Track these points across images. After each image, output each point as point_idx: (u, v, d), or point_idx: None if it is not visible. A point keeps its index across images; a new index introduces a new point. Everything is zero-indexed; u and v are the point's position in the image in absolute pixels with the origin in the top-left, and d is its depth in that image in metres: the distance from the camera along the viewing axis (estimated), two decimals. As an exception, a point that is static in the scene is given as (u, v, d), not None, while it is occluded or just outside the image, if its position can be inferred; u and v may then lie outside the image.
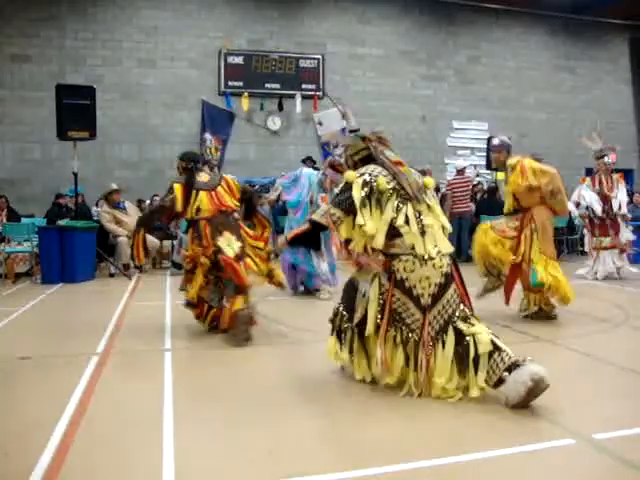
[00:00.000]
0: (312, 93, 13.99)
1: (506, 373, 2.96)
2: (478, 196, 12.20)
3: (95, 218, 9.70)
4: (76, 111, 8.48)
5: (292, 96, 13.87)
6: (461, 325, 3.13)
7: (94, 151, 11.90)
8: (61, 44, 12.76)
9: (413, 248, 3.12)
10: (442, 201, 11.35)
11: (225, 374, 3.75)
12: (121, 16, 13.13)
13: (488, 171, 12.39)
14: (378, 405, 3.08)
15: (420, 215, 3.22)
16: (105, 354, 4.18)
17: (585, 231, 8.84)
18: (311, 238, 3.50)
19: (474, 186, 12.09)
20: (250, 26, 13.88)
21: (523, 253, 5.00)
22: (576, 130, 16.11)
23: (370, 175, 3.23)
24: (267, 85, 13.88)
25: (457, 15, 15.27)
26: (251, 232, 5.06)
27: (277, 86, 13.94)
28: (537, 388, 2.88)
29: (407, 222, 3.15)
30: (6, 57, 12.47)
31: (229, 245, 4.67)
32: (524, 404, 2.92)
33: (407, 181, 3.25)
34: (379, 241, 3.12)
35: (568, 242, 11.72)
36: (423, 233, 3.17)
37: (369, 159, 3.42)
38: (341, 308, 3.50)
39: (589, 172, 16.12)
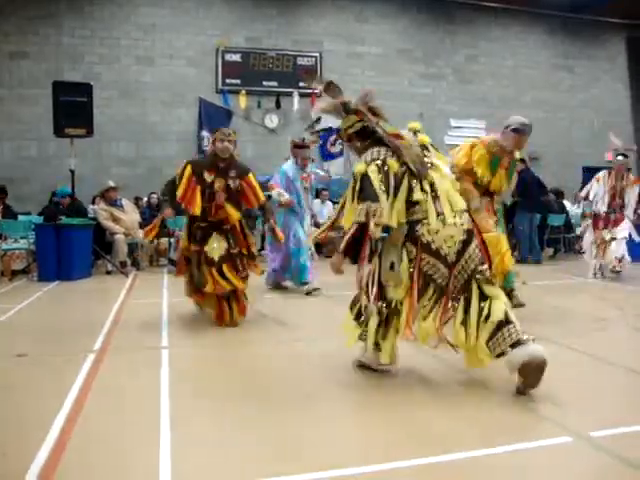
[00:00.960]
0: (309, 91, 13.95)
1: (509, 349, 3.02)
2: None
3: (92, 215, 9.67)
4: (73, 108, 8.46)
5: (290, 94, 13.87)
6: (483, 284, 3.19)
7: (91, 149, 11.87)
8: (59, 42, 12.74)
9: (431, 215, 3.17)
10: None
11: (223, 372, 3.75)
12: (119, 14, 13.10)
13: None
14: (378, 404, 3.08)
15: (433, 184, 3.24)
16: (102, 352, 4.17)
17: (584, 230, 8.77)
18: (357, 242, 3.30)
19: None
20: (248, 24, 13.86)
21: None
22: (574, 129, 16.17)
23: (380, 160, 3.20)
24: (265, 83, 13.87)
25: (455, 14, 15.27)
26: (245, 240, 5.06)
27: (275, 84, 13.93)
28: (532, 363, 2.94)
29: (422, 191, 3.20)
30: (4, 55, 12.45)
31: (214, 248, 4.72)
32: (524, 382, 3.04)
33: (410, 157, 3.23)
34: (394, 220, 3.14)
35: (565, 240, 11.72)
36: (436, 197, 3.21)
37: (365, 131, 3.39)
38: (363, 294, 3.39)
39: (587, 170, 16.21)
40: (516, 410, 2.96)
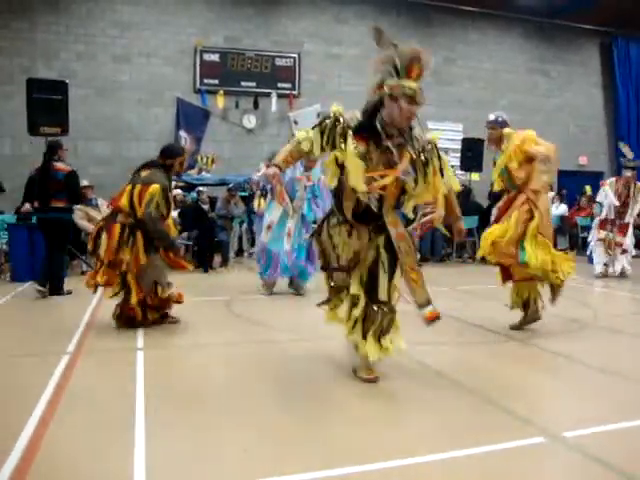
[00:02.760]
0: (288, 92, 13.95)
1: None
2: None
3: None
4: (48, 106, 8.32)
5: (268, 94, 13.82)
6: None
7: (67, 147, 11.69)
8: (33, 37, 12.52)
9: None
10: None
11: (198, 373, 3.73)
12: (95, 10, 12.92)
13: (462, 172, 12.47)
14: (357, 406, 3.09)
15: None
16: (76, 353, 4.12)
17: (593, 234, 9.22)
18: None
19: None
20: (226, 23, 13.79)
21: (511, 234, 4.69)
22: (549, 132, 16.32)
23: None
24: (243, 83, 13.81)
25: (434, 17, 15.37)
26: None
27: (253, 84, 13.87)
28: None
29: None
30: (-26, 49, 12.21)
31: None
32: None
33: None
34: None
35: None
36: None
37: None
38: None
39: (561, 174, 16.42)
40: (489, 411, 2.99)
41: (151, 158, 5.09)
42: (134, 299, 4.70)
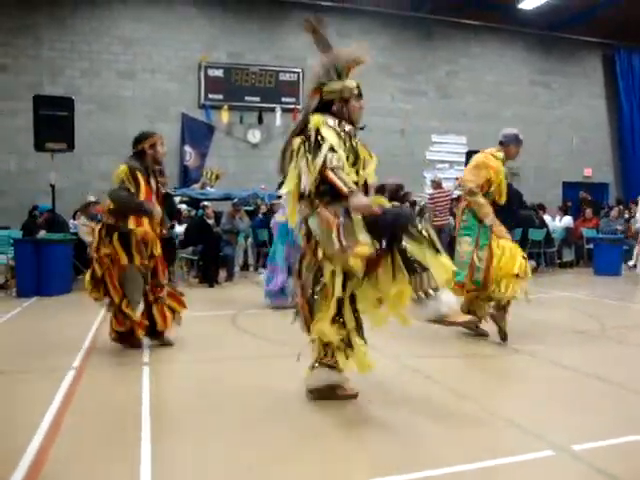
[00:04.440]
0: (292, 106, 14.02)
1: None
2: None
3: (72, 230, 9.57)
4: (54, 122, 8.40)
5: (272, 109, 13.90)
6: None
7: (72, 163, 11.77)
8: (38, 55, 12.65)
9: None
10: (421, 213, 11.43)
11: (204, 389, 3.71)
12: (100, 27, 13.05)
13: (467, 184, 12.46)
14: (363, 421, 3.07)
15: None
16: (82, 368, 4.11)
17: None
18: None
19: (453, 200, 12.18)
20: (230, 39, 13.90)
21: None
22: (551, 144, 16.39)
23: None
24: (247, 98, 13.90)
25: (436, 30, 15.45)
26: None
27: (257, 99, 13.96)
28: None
29: None
30: (-18, 67, 12.33)
31: None
32: None
33: None
34: None
35: (546, 255, 11.82)
36: None
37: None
38: None
39: (565, 185, 16.45)
40: (499, 425, 2.97)
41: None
42: (120, 305, 4.61)
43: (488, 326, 5.10)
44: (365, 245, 2.98)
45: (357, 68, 3.51)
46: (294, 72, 14.09)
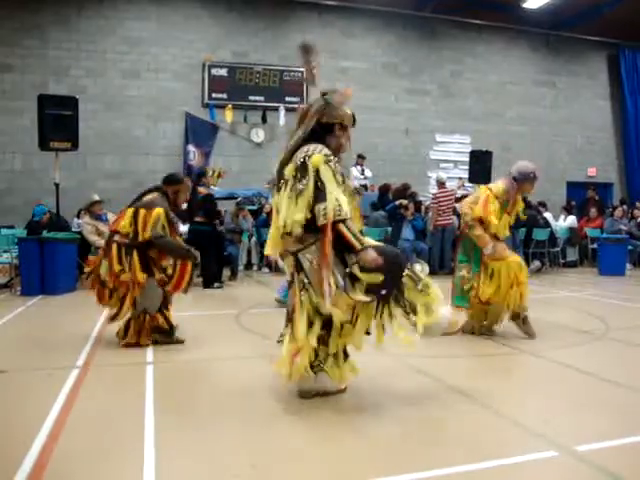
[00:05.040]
0: (296, 106, 14.02)
1: None
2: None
3: (76, 229, 9.59)
4: (58, 122, 8.43)
5: (276, 108, 13.91)
6: None
7: (76, 162, 11.81)
8: (44, 54, 12.69)
9: None
10: (426, 213, 11.42)
11: (208, 388, 3.72)
12: (105, 27, 13.09)
13: (470, 184, 12.46)
14: (370, 421, 3.07)
15: None
16: (85, 367, 4.12)
17: None
18: None
19: (457, 199, 12.16)
20: (234, 39, 13.92)
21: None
22: (556, 144, 16.36)
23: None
24: (251, 97, 13.92)
25: (440, 30, 15.44)
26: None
27: (261, 98, 13.98)
28: None
29: None
30: (-12, 66, 12.38)
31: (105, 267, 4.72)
32: None
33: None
34: None
35: (549, 255, 11.81)
36: None
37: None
38: None
39: (569, 185, 16.41)
40: (502, 425, 2.97)
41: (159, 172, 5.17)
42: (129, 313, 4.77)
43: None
44: (339, 312, 3.04)
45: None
46: (298, 71, 14.10)
